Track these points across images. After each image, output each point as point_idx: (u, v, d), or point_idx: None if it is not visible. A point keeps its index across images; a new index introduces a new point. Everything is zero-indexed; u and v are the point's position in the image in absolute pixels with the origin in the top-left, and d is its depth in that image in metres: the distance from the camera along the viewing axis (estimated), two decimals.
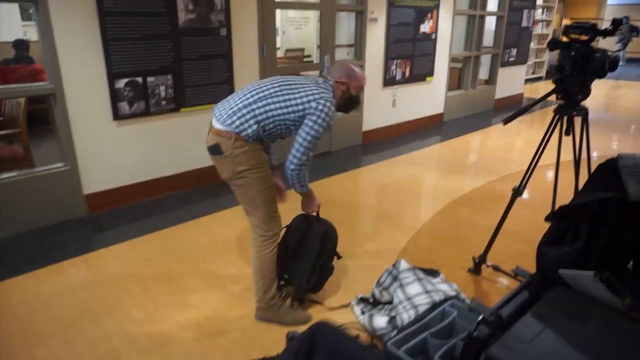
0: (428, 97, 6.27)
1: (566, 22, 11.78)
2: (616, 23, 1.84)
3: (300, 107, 1.97)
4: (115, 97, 3.37)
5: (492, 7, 7.18)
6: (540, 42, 11.11)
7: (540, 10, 10.43)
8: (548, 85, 10.72)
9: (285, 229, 2.31)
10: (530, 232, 3.17)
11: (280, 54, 9.11)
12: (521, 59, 8.08)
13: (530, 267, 2.76)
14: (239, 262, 2.83)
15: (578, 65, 1.92)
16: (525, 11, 7.70)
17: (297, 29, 9.59)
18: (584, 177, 1.75)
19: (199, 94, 3.82)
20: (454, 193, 3.97)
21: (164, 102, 3.64)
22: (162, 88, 3.60)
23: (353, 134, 5.37)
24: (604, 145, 5.56)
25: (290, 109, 1.97)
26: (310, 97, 1.98)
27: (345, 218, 3.45)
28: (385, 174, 4.51)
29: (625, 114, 7.42)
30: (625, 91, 9.81)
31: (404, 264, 2.31)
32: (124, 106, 3.44)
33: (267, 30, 4.15)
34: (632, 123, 6.82)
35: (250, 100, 1.99)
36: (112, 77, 3.32)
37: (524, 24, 7.79)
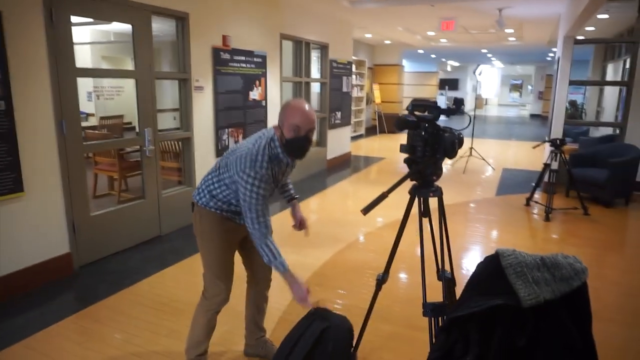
0: None
1: (376, 86, 13.28)
2: (458, 103, 1.78)
3: (232, 169, 1.97)
4: None
5: (316, 73, 7.52)
6: (357, 104, 12.22)
7: (354, 76, 11.52)
8: (369, 142, 11.74)
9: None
10: (391, 308, 3.00)
11: (95, 121, 8.04)
12: (345, 121, 8.60)
13: (402, 352, 2.54)
14: None
15: (429, 145, 1.79)
16: (344, 78, 8.30)
17: (116, 94, 8.69)
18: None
19: None
20: (305, 271, 3.66)
21: None
22: None
23: (185, 212, 4.71)
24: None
25: (226, 173, 2.01)
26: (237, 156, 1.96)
27: (181, 327, 2.80)
28: None
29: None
30: None
31: None
32: None
33: (67, 103, 3.38)
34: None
35: (207, 174, 2.16)
36: None
37: (344, 89, 8.37)
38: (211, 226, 2.13)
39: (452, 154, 1.79)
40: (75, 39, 3.41)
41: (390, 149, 10.49)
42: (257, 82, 5.63)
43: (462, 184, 6.98)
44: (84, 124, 7.41)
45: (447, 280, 2.01)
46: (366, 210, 1.74)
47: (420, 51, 14.62)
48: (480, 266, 1.36)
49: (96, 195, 5.45)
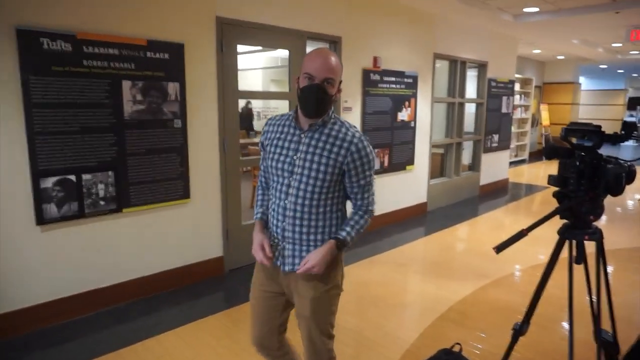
0: (410, 186, 5.90)
1: (544, 107, 11.98)
2: (629, 128, 1.44)
3: None
4: (40, 198, 2.87)
5: (471, 93, 7.11)
6: (520, 126, 11.18)
7: (518, 96, 10.59)
8: (533, 168, 10.60)
9: None
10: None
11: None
12: (504, 145, 7.92)
13: None
14: None
15: (586, 177, 1.49)
16: (504, 98, 7.67)
17: (271, 113, 9.56)
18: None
19: (146, 191, 3.35)
20: (441, 304, 3.40)
21: (102, 203, 3.15)
22: (101, 186, 3.13)
23: None
24: None
25: None
26: None
27: None
28: (363, 278, 3.95)
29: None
30: None
31: None
32: (51, 208, 2.93)
33: (228, 122, 3.79)
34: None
35: None
36: (37, 176, 2.85)
37: (504, 110, 7.72)
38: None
39: (616, 191, 1.46)
40: (250, 65, 3.83)
41: None
42: (407, 103, 5.55)
43: None
44: (256, 140, 8.28)
45: (606, 343, 1.63)
46: (500, 248, 1.53)
47: (603, 66, 12.74)
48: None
49: (252, 206, 5.99)
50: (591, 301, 1.71)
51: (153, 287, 3.48)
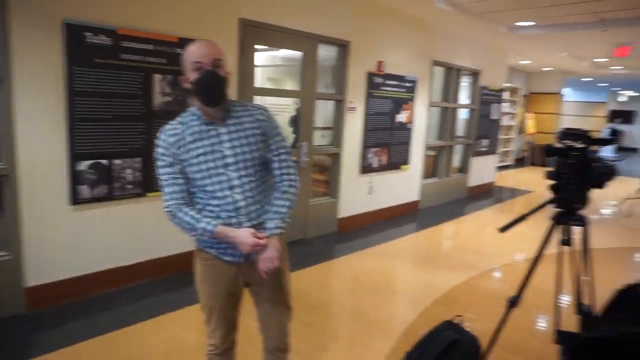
0: (404, 185, 6.24)
1: (530, 115, 12.48)
2: (616, 134, 1.77)
3: None
4: (75, 179, 3.10)
5: (464, 100, 7.49)
6: (506, 132, 11.65)
7: (505, 104, 11.04)
8: (517, 174, 11.07)
9: None
10: (526, 342, 2.92)
11: None
12: (492, 149, 8.33)
13: None
14: None
15: (576, 173, 1.82)
16: (494, 105, 8.07)
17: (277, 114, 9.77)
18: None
19: None
20: (435, 291, 3.73)
21: (129, 186, 3.39)
22: (129, 171, 3.37)
23: (328, 221, 5.17)
24: None
25: None
26: None
27: (314, 320, 3.13)
28: (360, 267, 4.26)
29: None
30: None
31: None
32: (84, 189, 3.16)
33: None
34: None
35: None
36: (74, 159, 3.08)
37: (494, 116, 8.13)
38: (196, 265, 1.85)
39: (598, 184, 1.79)
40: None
41: (540, 183, 9.75)
42: (405, 106, 5.88)
43: (627, 229, 6.21)
44: None
45: (586, 314, 1.96)
46: (504, 229, 1.85)
47: (586, 79, 13.31)
48: (619, 295, 1.37)
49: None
50: (577, 278, 2.04)
51: (171, 268, 3.73)
